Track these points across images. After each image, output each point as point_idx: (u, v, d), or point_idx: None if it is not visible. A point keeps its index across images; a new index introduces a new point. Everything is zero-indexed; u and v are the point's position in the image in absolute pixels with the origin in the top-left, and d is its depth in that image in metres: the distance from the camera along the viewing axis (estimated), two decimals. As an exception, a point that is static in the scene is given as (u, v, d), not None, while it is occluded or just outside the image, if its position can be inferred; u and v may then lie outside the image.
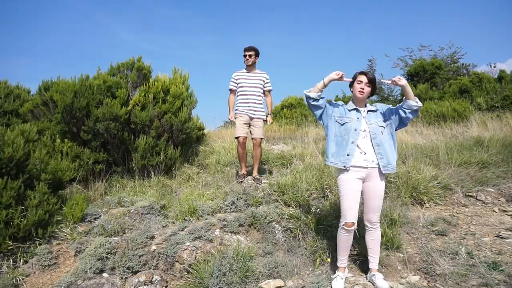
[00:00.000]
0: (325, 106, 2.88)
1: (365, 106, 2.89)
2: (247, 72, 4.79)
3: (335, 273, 2.91)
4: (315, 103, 2.84)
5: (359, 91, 2.80)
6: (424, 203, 4.15)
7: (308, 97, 2.85)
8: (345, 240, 2.82)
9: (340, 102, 2.97)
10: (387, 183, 4.25)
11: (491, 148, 5.65)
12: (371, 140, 2.76)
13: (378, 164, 2.73)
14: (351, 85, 2.90)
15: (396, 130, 2.86)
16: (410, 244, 3.37)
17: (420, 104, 2.71)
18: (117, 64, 5.96)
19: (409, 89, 2.71)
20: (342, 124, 2.81)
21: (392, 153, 2.78)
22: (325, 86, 2.80)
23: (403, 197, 4.07)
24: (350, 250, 2.97)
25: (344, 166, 2.74)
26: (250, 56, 4.70)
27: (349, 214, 2.74)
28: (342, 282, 2.81)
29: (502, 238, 3.35)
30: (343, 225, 2.77)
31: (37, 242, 3.16)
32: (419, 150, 5.64)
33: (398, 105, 2.85)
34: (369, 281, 2.88)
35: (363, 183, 2.79)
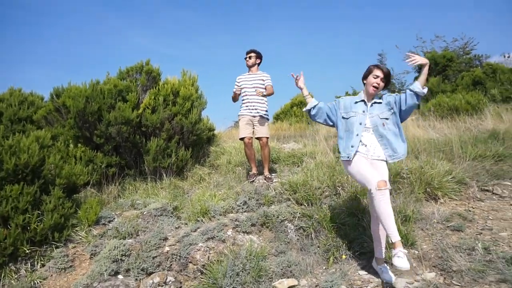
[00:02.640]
0: (328, 109, 2.99)
1: (373, 98, 2.89)
2: (248, 74, 4.88)
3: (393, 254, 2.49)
4: (313, 111, 3.00)
5: (373, 86, 2.80)
6: (439, 199, 4.08)
7: (309, 111, 3.03)
8: (386, 204, 2.49)
9: (347, 97, 3.01)
10: (400, 179, 4.20)
11: (507, 140, 5.53)
12: (373, 133, 2.80)
13: (383, 155, 2.77)
14: (365, 77, 2.89)
15: (401, 120, 2.82)
16: (425, 240, 3.32)
17: (425, 91, 2.66)
18: (126, 68, 6.04)
19: (426, 69, 2.66)
20: (348, 118, 2.88)
21: (397, 142, 2.77)
22: (305, 90, 3.07)
23: (417, 193, 4.01)
24: (364, 247, 2.93)
25: (348, 157, 2.78)
26: (250, 57, 4.83)
27: (373, 176, 2.57)
28: (405, 259, 2.40)
29: (520, 232, 3.27)
30: (376, 187, 2.50)
31: (53, 245, 3.23)
32: (432, 145, 5.55)
33: (400, 96, 2.77)
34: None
35: None
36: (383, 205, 2.50)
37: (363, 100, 2.88)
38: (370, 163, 2.77)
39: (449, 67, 12.74)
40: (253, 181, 4.75)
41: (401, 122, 2.83)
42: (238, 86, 4.88)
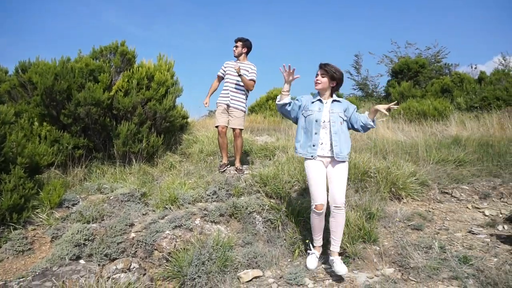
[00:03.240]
0: (294, 105, 3.05)
1: (331, 97, 3.05)
2: (236, 62, 4.80)
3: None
4: (289, 107, 3.01)
5: (315, 83, 3.02)
6: (402, 198, 4.25)
7: (282, 105, 3.00)
8: (317, 223, 2.95)
9: (306, 96, 3.13)
10: (367, 178, 4.33)
11: (468, 147, 5.82)
12: (330, 129, 2.92)
13: (332, 151, 2.90)
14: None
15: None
16: (387, 237, 3.46)
17: (374, 126, 3.01)
18: (99, 47, 5.81)
19: (375, 111, 2.96)
20: (306, 117, 3.01)
21: (347, 144, 2.96)
22: (289, 86, 2.95)
23: (382, 192, 4.16)
24: (329, 241, 3.02)
25: (312, 156, 2.92)
26: (236, 47, 4.74)
27: (318, 197, 2.86)
28: (315, 259, 2.99)
29: (473, 233, 3.48)
30: (313, 208, 2.88)
31: (11, 227, 3.09)
32: (400, 147, 5.76)
33: (355, 114, 3.02)
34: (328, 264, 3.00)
35: (326, 168, 2.96)
36: (315, 221, 2.95)
37: (319, 99, 3.02)
38: (327, 164, 2.94)
39: (421, 73, 13.21)
40: (223, 171, 4.74)
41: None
42: (223, 71, 4.83)
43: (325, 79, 2.96)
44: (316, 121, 2.93)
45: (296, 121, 3.14)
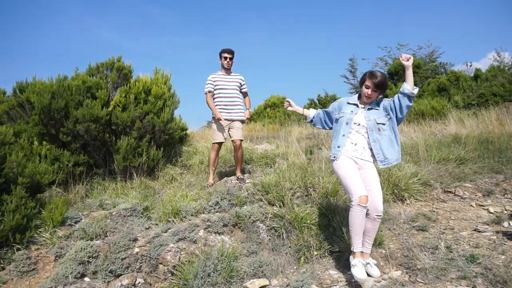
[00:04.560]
0: (323, 115, 3.20)
1: (369, 104, 2.90)
2: (225, 74, 4.72)
3: (352, 258, 2.78)
4: (313, 121, 3.27)
5: (366, 96, 2.84)
6: (405, 200, 4.24)
7: (315, 125, 3.31)
8: (360, 220, 2.65)
9: (344, 97, 3.12)
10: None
11: (468, 144, 5.83)
12: (368, 136, 2.84)
13: (374, 158, 2.86)
14: (361, 84, 2.91)
15: (398, 123, 2.87)
16: (392, 240, 3.43)
17: (415, 91, 2.71)
18: (96, 64, 5.86)
19: (410, 72, 2.75)
20: (338, 119, 2.99)
21: (391, 148, 2.81)
22: (298, 111, 3.29)
23: (385, 194, 4.14)
24: (334, 247, 3.00)
25: (334, 157, 2.88)
26: (230, 59, 4.66)
27: (359, 188, 2.64)
28: (363, 269, 2.68)
29: (479, 231, 3.46)
30: (357, 202, 2.60)
31: (14, 247, 3.07)
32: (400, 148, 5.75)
33: (391, 100, 2.86)
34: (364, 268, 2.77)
35: (359, 169, 2.82)
36: (358, 219, 2.65)
37: (355, 104, 2.92)
38: (359, 166, 2.83)
39: (416, 74, 13.27)
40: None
41: (398, 124, 2.87)
42: (213, 85, 4.65)
43: (375, 94, 2.80)
44: (347, 123, 2.87)
45: (328, 128, 3.24)
